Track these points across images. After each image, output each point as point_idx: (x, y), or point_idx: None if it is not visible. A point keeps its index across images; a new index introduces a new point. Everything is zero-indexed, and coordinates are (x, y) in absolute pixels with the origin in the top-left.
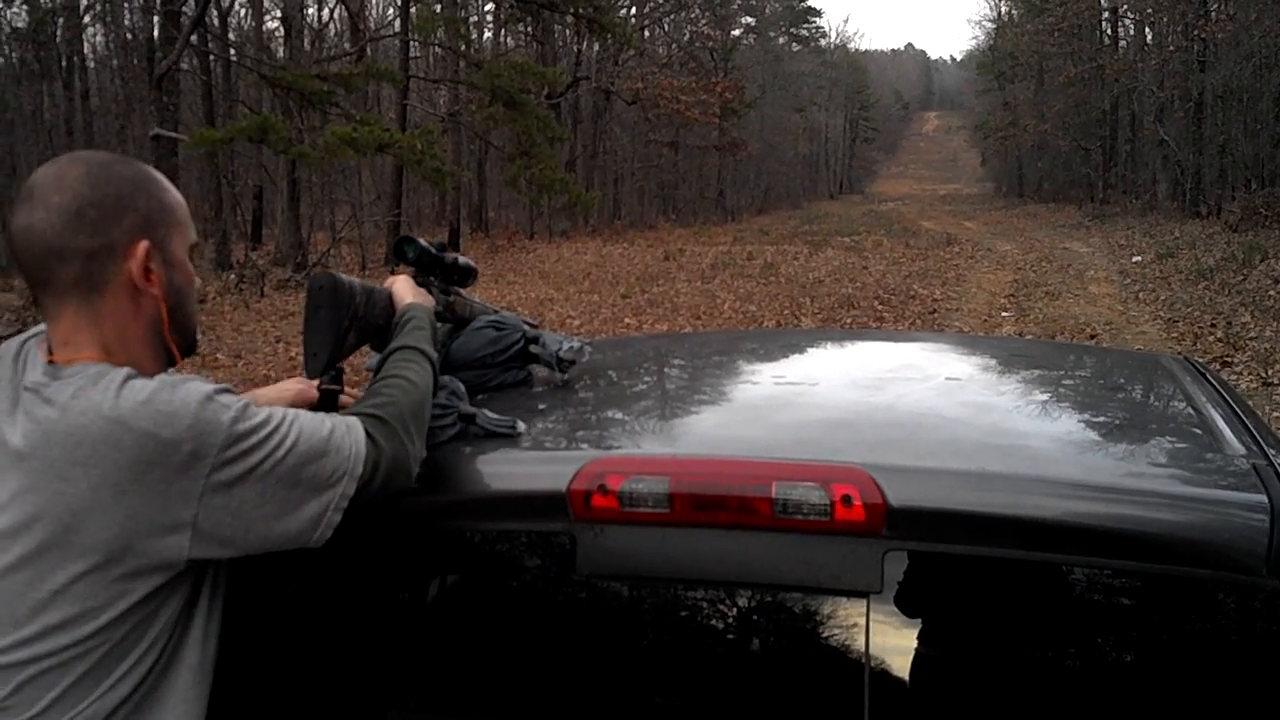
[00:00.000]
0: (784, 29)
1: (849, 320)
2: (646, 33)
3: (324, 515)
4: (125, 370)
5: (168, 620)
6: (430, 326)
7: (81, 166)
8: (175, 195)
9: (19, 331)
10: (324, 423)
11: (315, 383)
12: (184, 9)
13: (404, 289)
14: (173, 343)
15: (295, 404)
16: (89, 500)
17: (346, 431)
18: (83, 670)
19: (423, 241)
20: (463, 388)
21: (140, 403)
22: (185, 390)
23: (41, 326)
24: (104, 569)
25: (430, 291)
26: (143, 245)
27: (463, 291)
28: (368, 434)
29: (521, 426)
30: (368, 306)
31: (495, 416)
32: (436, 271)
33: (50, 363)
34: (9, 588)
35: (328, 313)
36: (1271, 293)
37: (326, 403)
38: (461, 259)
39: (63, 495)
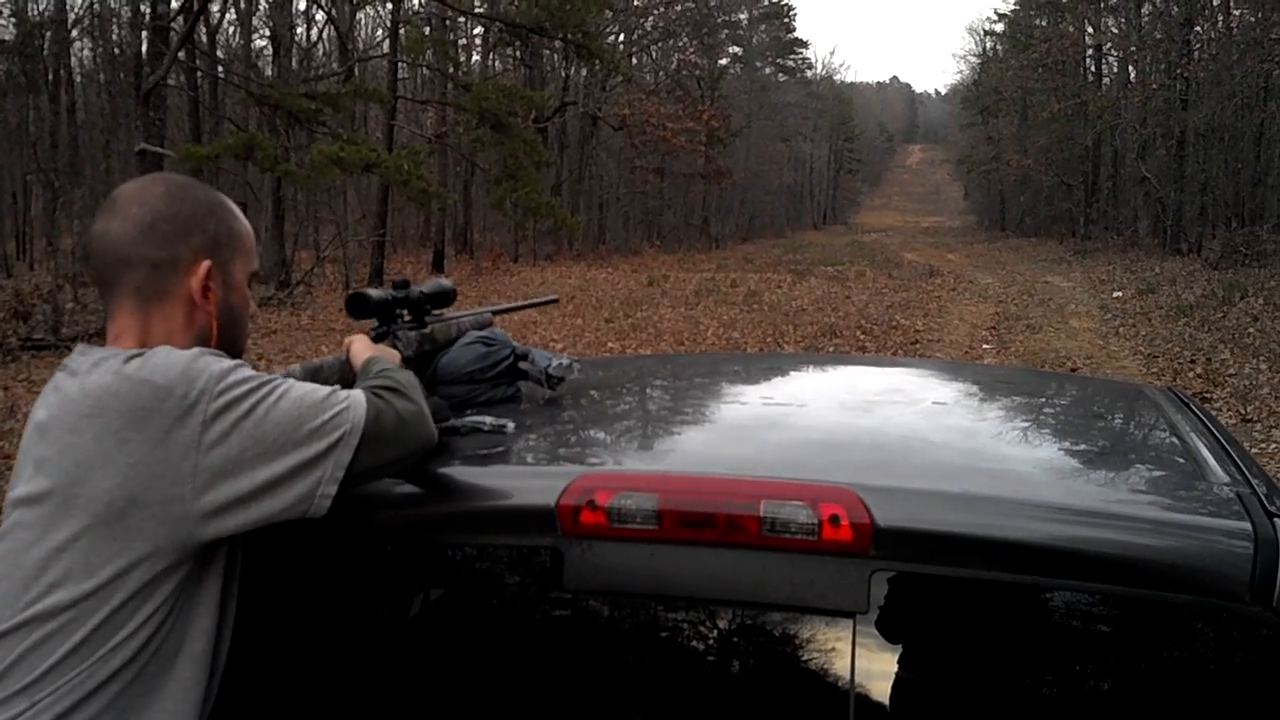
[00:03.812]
0: (771, 59)
1: (831, 349)
2: (634, 60)
3: (331, 454)
4: (138, 349)
5: (166, 599)
6: (391, 365)
7: (162, 185)
8: (245, 225)
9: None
10: (320, 386)
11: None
12: (172, 25)
13: (359, 349)
14: None
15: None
16: (93, 450)
17: (345, 392)
18: (80, 637)
19: (373, 292)
20: (506, 335)
21: (141, 360)
22: (180, 350)
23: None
24: (106, 524)
25: (396, 339)
26: (205, 264)
27: (446, 312)
28: (369, 393)
29: (511, 426)
30: None
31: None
32: (402, 312)
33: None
34: (20, 552)
35: None
36: (1251, 330)
37: None
38: (429, 284)
39: (71, 448)
